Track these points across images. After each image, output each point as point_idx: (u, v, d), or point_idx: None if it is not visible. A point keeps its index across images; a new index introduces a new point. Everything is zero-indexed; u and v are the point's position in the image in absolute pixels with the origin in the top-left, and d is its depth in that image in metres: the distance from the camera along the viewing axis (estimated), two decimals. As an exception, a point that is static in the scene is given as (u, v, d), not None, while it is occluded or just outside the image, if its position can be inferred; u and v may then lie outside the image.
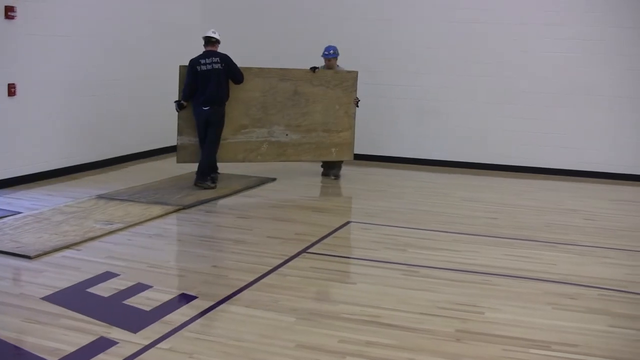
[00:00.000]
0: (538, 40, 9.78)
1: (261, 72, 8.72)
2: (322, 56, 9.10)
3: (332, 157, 9.07)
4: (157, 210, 7.00)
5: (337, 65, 9.15)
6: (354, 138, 9.07)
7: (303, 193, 8.29)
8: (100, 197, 7.49)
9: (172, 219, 6.82)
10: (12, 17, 7.73)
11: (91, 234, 6.04)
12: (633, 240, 6.58)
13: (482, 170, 10.08)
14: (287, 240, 6.19)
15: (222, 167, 8.73)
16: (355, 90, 8.99)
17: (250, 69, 8.65)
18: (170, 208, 7.09)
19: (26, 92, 8.03)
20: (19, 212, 6.74)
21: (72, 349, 3.82)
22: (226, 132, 8.48)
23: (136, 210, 6.93)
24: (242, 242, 6.22)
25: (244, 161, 8.80)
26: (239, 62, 8.37)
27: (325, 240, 6.20)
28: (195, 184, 8.18)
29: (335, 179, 9.16)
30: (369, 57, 10.37)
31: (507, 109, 10.06)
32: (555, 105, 9.84)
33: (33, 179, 8.21)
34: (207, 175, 8.23)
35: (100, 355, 3.75)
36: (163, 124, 10.65)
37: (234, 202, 7.78)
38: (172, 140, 10.85)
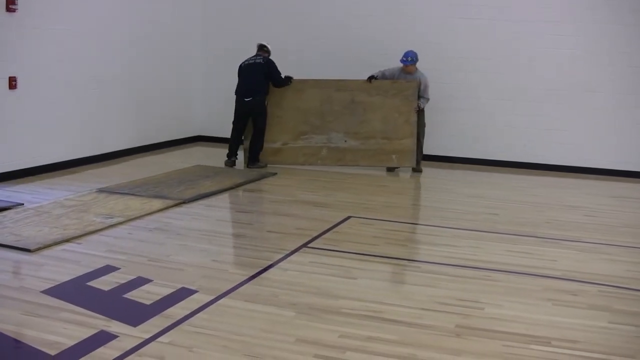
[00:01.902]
0: (540, 38, 9.77)
1: (317, 83, 9.46)
2: (400, 61, 9.23)
3: (393, 163, 9.36)
4: (157, 204, 6.99)
5: (416, 69, 9.32)
6: (415, 145, 9.31)
7: (303, 187, 8.28)
8: (100, 190, 7.48)
9: (172, 212, 6.81)
10: (13, 10, 7.70)
11: (91, 228, 6.04)
12: (634, 236, 6.58)
13: (483, 166, 10.08)
14: (287, 234, 6.18)
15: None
16: (417, 99, 9.26)
17: (306, 80, 9.40)
18: (170, 202, 7.08)
19: (27, 86, 8.01)
20: (21, 204, 6.74)
21: (72, 343, 3.81)
22: (287, 137, 9.38)
23: (136, 204, 6.93)
24: (243, 237, 6.22)
25: (304, 164, 9.37)
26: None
27: (325, 235, 6.19)
28: (248, 167, 9.19)
29: (417, 172, 9.45)
30: (371, 55, 10.36)
31: (509, 105, 10.04)
32: (557, 102, 9.83)
33: (34, 172, 8.20)
34: (257, 158, 9.23)
35: (100, 349, 3.75)
36: (163, 118, 10.67)
37: (234, 196, 7.78)
38: (171, 134, 10.90)
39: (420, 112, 9.38)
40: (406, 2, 10.31)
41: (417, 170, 9.45)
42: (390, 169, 9.44)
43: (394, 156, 9.27)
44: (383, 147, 9.27)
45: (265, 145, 9.39)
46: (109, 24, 9.33)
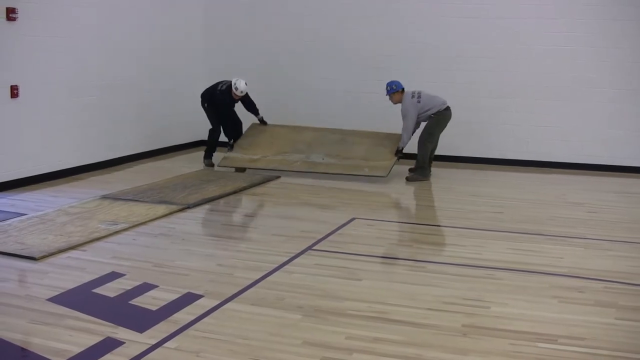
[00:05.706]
0: (537, 34, 9.74)
1: (316, 129, 9.61)
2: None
3: (365, 173, 8.89)
4: (161, 209, 7.00)
5: (403, 97, 8.90)
6: (393, 165, 8.97)
7: (307, 190, 8.28)
8: (104, 197, 7.49)
9: (176, 218, 6.82)
10: (13, 19, 7.72)
11: (96, 235, 6.05)
12: (638, 232, 6.56)
13: (484, 165, 10.06)
14: (292, 237, 6.18)
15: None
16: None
17: (306, 127, 9.67)
18: (174, 207, 7.09)
19: (29, 94, 8.03)
20: (24, 214, 6.75)
21: (78, 350, 3.82)
22: (268, 152, 9.38)
23: (141, 210, 6.94)
24: (247, 240, 6.23)
25: (275, 169, 9.12)
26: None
27: (330, 237, 6.19)
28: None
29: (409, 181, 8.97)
30: (371, 54, 10.37)
31: (508, 103, 10.02)
32: (557, 98, 9.81)
33: (37, 180, 8.21)
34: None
35: (107, 356, 3.76)
36: (165, 124, 10.67)
37: (238, 200, 7.79)
38: (174, 139, 10.90)
39: (436, 127, 9.02)
40: (401, 2, 10.30)
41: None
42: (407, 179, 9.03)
43: (366, 169, 8.90)
44: (359, 164, 8.99)
45: (244, 156, 9.33)
46: (109, 30, 9.34)
